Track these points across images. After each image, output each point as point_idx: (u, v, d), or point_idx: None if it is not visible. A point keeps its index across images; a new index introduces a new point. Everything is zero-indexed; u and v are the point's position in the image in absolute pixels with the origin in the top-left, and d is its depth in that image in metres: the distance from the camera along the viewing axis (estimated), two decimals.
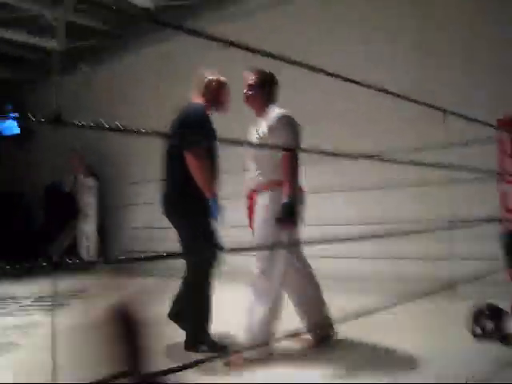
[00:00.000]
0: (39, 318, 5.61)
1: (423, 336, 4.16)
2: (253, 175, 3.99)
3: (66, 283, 8.18)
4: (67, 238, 9.72)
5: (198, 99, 4.20)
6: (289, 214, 3.69)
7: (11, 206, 11.23)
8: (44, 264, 1.29)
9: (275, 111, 3.97)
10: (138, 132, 1.44)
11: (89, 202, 9.69)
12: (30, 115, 1.34)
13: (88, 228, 9.69)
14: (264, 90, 4.09)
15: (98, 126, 1.38)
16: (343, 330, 4.13)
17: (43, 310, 6.07)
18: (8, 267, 1.31)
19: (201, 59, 7.97)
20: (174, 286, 4.44)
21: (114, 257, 9.31)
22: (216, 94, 4.21)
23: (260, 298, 3.77)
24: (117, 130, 1.42)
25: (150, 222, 8.81)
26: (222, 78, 4.28)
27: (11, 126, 11.76)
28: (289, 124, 3.90)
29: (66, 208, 9.92)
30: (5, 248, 9.24)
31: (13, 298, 6.99)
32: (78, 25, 9.08)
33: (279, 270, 3.81)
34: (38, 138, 11.76)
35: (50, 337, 4.56)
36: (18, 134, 11.84)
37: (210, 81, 4.21)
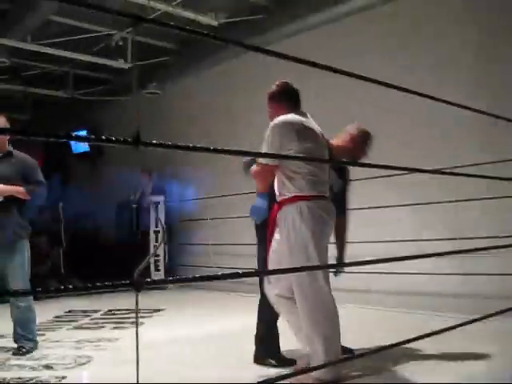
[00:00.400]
0: (111, 332, 5.73)
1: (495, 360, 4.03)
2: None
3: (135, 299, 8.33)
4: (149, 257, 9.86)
5: (337, 141, 4.19)
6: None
7: (84, 223, 11.55)
8: (127, 283, 1.31)
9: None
10: (215, 151, 1.45)
11: (157, 218, 9.85)
12: (110, 136, 1.35)
13: (157, 243, 9.83)
14: (275, 101, 3.84)
15: (176, 146, 1.40)
16: (418, 347, 4.06)
17: (115, 324, 6.18)
18: (90, 285, 1.34)
19: (267, 76, 8.09)
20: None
21: (182, 273, 9.42)
22: (359, 146, 4.21)
23: (309, 326, 3.53)
24: (195, 149, 1.44)
25: (217, 239, 8.88)
26: (367, 131, 4.27)
27: (82, 144, 12.11)
28: (273, 132, 3.57)
29: (136, 224, 10.16)
30: (79, 264, 9.48)
31: (84, 312, 7.14)
32: (145, 44, 9.30)
33: (309, 291, 3.51)
34: (107, 155, 12.08)
35: (121, 351, 4.67)
36: (88, 152, 12.18)
37: (357, 134, 4.21)
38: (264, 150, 3.54)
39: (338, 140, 4.24)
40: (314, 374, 3.40)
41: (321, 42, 7.45)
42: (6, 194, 4.63)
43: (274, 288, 3.72)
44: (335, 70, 2.11)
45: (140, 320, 6.33)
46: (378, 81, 2.34)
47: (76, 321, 6.50)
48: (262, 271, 3.81)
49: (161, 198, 9.90)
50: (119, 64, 9.25)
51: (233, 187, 8.12)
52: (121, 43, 9.02)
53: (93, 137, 1.28)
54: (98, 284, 1.34)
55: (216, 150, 1.50)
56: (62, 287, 1.32)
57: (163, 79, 9.89)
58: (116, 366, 4.19)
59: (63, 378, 3.92)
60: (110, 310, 7.16)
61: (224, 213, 8.48)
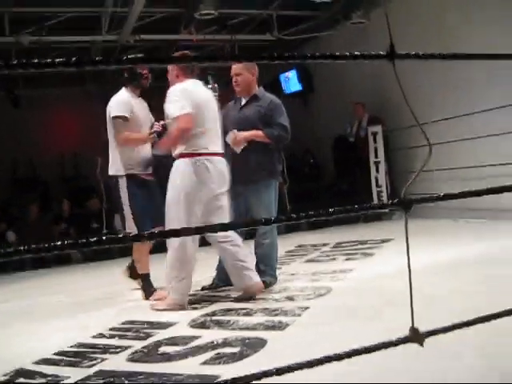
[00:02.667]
0: (344, 264, 5.80)
1: None
2: None
3: (360, 231, 8.37)
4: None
5: None
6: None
7: (300, 163, 11.82)
8: (395, 203, 1.27)
9: None
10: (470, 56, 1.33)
11: (376, 148, 9.68)
12: (361, 52, 1.28)
13: (378, 174, 9.70)
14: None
15: (432, 56, 1.31)
16: None
17: (346, 256, 6.25)
18: (356, 207, 1.31)
19: None
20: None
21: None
22: None
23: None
24: (448, 57, 1.33)
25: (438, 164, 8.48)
26: None
27: (293, 84, 12.25)
28: (178, 96, 4.48)
29: (354, 157, 10.13)
30: (302, 200, 9.71)
31: (313, 245, 7.32)
32: None
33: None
34: (318, 93, 12.14)
35: (359, 281, 4.73)
36: (299, 91, 12.29)
37: None
38: (173, 108, 4.42)
39: None
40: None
41: None
42: (246, 140, 4.85)
43: None
44: None
45: (370, 251, 6.34)
46: None
47: (307, 254, 6.70)
48: None
49: (378, 128, 9.69)
50: None
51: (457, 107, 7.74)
52: None
53: (347, 54, 1.22)
54: (365, 205, 1.31)
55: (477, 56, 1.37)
56: (326, 215, 1.31)
57: (369, 8, 9.54)
58: (358, 295, 4.26)
59: (306, 308, 4.04)
60: (338, 243, 7.25)
61: (445, 137, 8.09)
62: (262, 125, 4.88)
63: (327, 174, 11.85)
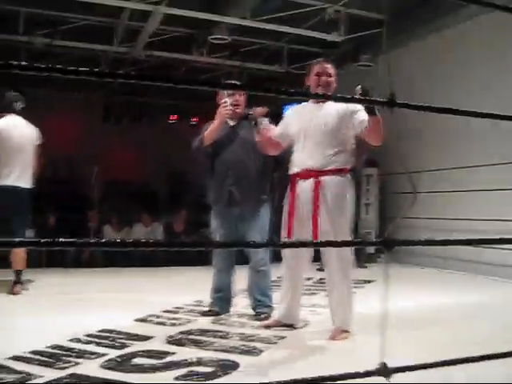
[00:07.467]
0: (324, 299, 5.81)
1: None
2: None
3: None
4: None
5: None
6: None
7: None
8: (378, 242, 1.34)
9: None
10: (473, 114, 1.42)
11: (369, 190, 9.75)
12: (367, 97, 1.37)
13: (368, 216, 9.74)
14: None
15: (431, 108, 1.40)
16: None
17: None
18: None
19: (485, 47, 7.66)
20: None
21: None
22: None
23: None
24: (449, 111, 1.42)
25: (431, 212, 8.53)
26: None
27: None
28: None
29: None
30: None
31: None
32: (357, 16, 9.25)
33: None
34: None
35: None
36: None
37: None
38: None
39: None
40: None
41: None
42: None
43: None
44: None
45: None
46: None
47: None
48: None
49: (373, 171, 9.76)
50: (333, 37, 9.29)
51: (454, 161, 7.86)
52: (333, 16, 9.06)
53: (349, 96, 1.31)
54: (351, 241, 1.38)
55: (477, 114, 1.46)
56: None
57: (376, 50, 9.71)
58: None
59: (282, 337, 4.12)
60: (321, 279, 7.25)
61: (439, 186, 8.18)
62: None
63: None
